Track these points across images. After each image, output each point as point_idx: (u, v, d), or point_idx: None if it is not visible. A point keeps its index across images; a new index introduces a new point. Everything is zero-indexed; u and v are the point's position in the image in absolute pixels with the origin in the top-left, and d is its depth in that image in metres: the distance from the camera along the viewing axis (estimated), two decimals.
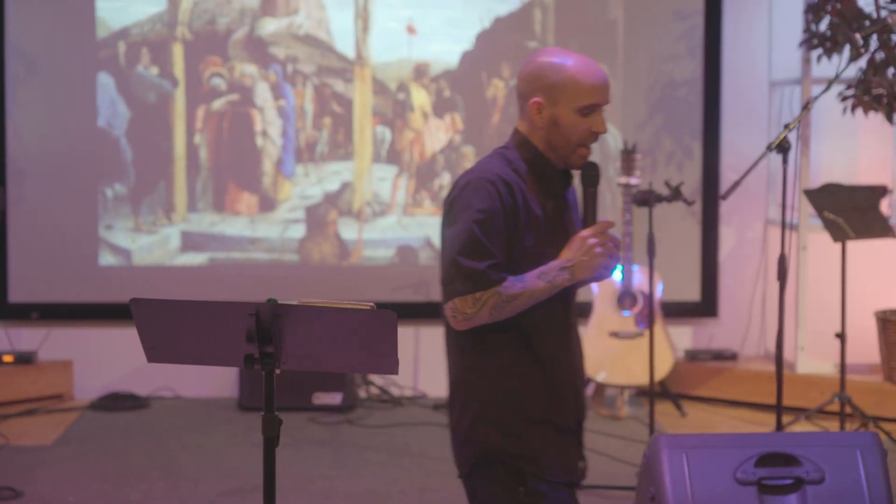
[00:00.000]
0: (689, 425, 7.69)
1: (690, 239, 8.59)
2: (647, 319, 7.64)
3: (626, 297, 7.95)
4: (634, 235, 7.94)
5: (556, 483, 3.61)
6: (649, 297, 6.55)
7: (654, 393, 6.56)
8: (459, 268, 3.48)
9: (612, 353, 7.91)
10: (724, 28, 8.52)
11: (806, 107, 6.85)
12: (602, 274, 3.51)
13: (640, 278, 7.93)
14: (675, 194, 6.57)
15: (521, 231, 3.51)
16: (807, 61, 8.05)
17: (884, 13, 7.58)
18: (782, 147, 6.53)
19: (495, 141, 8.47)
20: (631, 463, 6.68)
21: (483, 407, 3.58)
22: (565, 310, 3.61)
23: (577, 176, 3.68)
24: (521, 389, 3.57)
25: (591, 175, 3.59)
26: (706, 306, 8.64)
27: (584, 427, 3.77)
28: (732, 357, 8.46)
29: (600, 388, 8.02)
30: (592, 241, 3.48)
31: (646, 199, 6.50)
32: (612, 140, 8.49)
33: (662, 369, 7.85)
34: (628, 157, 7.77)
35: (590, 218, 3.53)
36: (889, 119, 7.63)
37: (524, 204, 3.52)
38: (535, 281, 3.47)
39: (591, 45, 8.49)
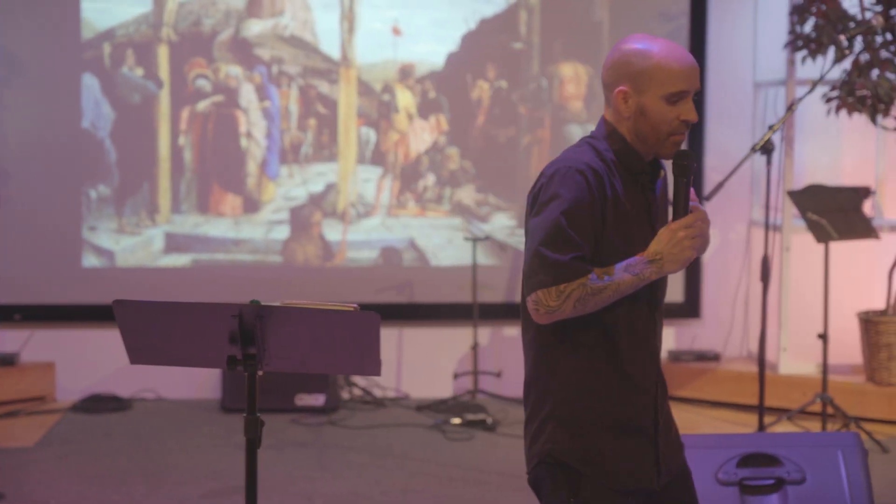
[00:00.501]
0: None
1: None
2: None
3: None
4: None
5: (621, 493, 3.45)
6: None
7: None
8: (543, 259, 3.32)
9: None
10: (708, 29, 8.54)
11: (790, 108, 6.87)
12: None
13: None
14: None
15: (608, 223, 3.37)
16: (791, 63, 8.06)
17: (868, 15, 7.60)
18: (766, 148, 6.55)
19: (480, 142, 8.48)
20: None
21: (556, 405, 3.46)
22: (651, 308, 3.48)
23: (669, 165, 3.55)
24: (597, 390, 3.44)
25: (684, 165, 3.40)
26: (689, 307, 8.65)
27: (664, 432, 3.53)
28: (715, 358, 8.47)
29: None
30: (682, 233, 3.32)
31: None
32: None
33: None
34: None
35: (681, 209, 3.37)
36: (873, 120, 7.64)
37: (613, 195, 3.39)
38: (622, 274, 3.33)
39: (577, 47, 8.50)
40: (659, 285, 3.50)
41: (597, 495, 3.42)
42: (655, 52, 3.38)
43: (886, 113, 7.62)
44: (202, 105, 8.42)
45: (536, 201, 3.39)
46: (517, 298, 8.54)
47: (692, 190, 3.40)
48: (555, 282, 3.30)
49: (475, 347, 8.15)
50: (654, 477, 3.47)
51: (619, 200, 3.39)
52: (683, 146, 3.46)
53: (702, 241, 3.34)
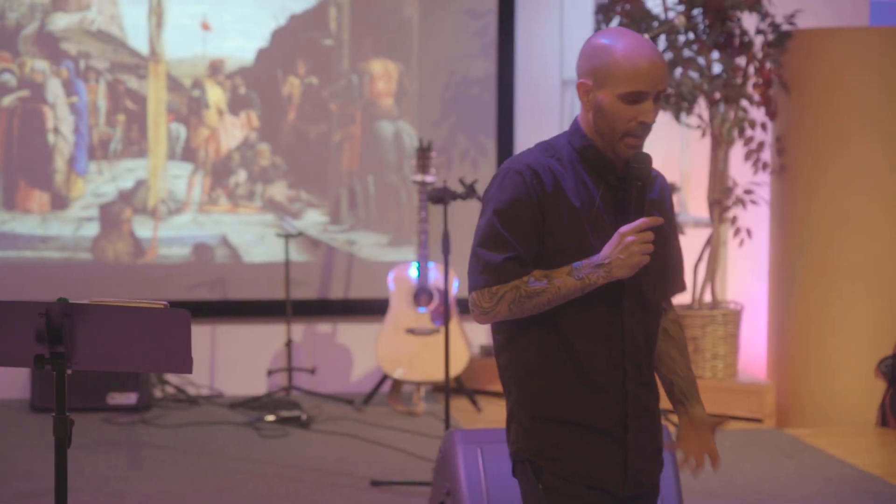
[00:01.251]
0: (484, 420, 7.77)
1: None
2: (442, 316, 7.71)
3: (422, 294, 8.01)
4: (430, 233, 8.00)
5: (584, 487, 3.35)
6: (444, 294, 6.60)
7: (449, 389, 6.62)
8: (478, 260, 3.30)
9: (408, 349, 7.96)
10: (516, 27, 8.64)
11: None
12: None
13: (435, 275, 8.00)
14: (470, 192, 6.63)
15: (550, 222, 3.27)
16: None
17: (671, 14, 7.76)
18: None
19: (291, 138, 8.46)
20: (427, 458, 6.73)
21: (514, 405, 3.41)
22: (616, 309, 3.33)
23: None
24: (551, 390, 3.34)
25: (636, 168, 3.29)
26: None
27: (638, 438, 3.39)
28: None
29: (397, 384, 8.06)
30: (630, 238, 3.22)
31: (440, 196, 6.55)
32: (408, 138, 8.54)
33: (458, 365, 7.92)
34: (423, 155, 7.83)
35: (632, 214, 3.28)
36: (677, 118, 7.82)
37: (556, 193, 3.28)
38: (565, 277, 3.24)
39: (386, 43, 8.54)
40: (632, 285, 3.35)
41: (559, 483, 3.36)
42: (618, 49, 3.25)
43: (690, 111, 7.80)
44: (7, 100, 8.26)
45: (482, 204, 3.38)
46: (330, 294, 8.54)
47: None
48: (487, 283, 3.28)
49: (289, 344, 8.14)
50: (620, 481, 3.37)
51: (564, 199, 3.29)
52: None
53: (650, 248, 3.24)
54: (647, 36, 6.99)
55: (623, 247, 3.22)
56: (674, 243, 3.51)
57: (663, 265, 3.43)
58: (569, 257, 3.27)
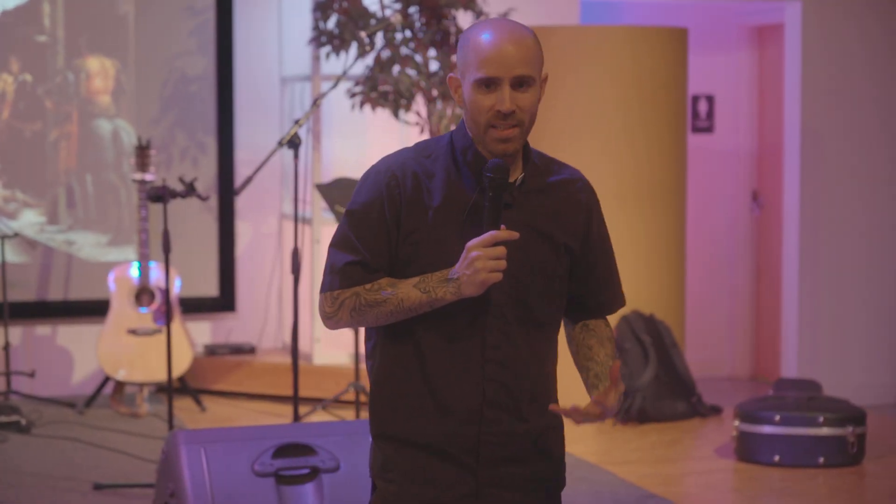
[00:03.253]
0: (209, 420, 7.74)
1: (207, 234, 8.64)
2: (164, 316, 7.64)
3: (143, 294, 7.92)
4: (150, 231, 7.92)
5: None
6: (166, 294, 6.56)
7: (172, 389, 6.57)
8: (327, 262, 3.11)
9: (130, 350, 7.86)
10: (235, 24, 8.61)
11: (315, 103, 7.03)
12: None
13: (157, 274, 7.92)
14: (190, 190, 6.60)
15: (409, 229, 3.05)
16: (316, 58, 8.23)
17: (388, 12, 7.85)
18: (293, 142, 6.68)
19: (5, 137, 8.27)
20: (151, 460, 6.67)
21: (370, 419, 3.18)
22: (474, 324, 3.07)
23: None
24: (398, 407, 3.11)
25: (489, 177, 3.02)
26: (224, 301, 8.71)
27: (492, 467, 3.12)
28: (251, 350, 8.56)
29: (119, 386, 7.96)
30: (475, 253, 2.95)
31: (160, 194, 6.50)
32: (126, 136, 8.43)
33: (181, 365, 7.86)
34: (142, 153, 7.75)
35: (488, 227, 2.99)
36: (395, 115, 7.90)
37: (417, 198, 3.06)
38: (410, 289, 3.02)
39: (102, 40, 8.41)
40: (504, 301, 3.08)
41: None
42: (473, 35, 3.06)
43: (408, 108, 7.89)
44: None
45: None
46: (49, 296, 8.38)
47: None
48: (330, 287, 3.08)
49: (6, 347, 7.94)
50: None
51: (426, 203, 3.07)
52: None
53: (501, 265, 2.97)
54: (364, 34, 7.06)
55: (468, 262, 2.97)
56: (600, 256, 3.26)
57: (551, 279, 3.13)
58: (429, 265, 3.05)
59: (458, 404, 3.08)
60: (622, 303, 3.35)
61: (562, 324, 3.28)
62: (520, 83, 3.04)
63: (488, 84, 3.03)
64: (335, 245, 3.10)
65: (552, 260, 3.13)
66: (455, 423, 3.08)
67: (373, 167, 3.15)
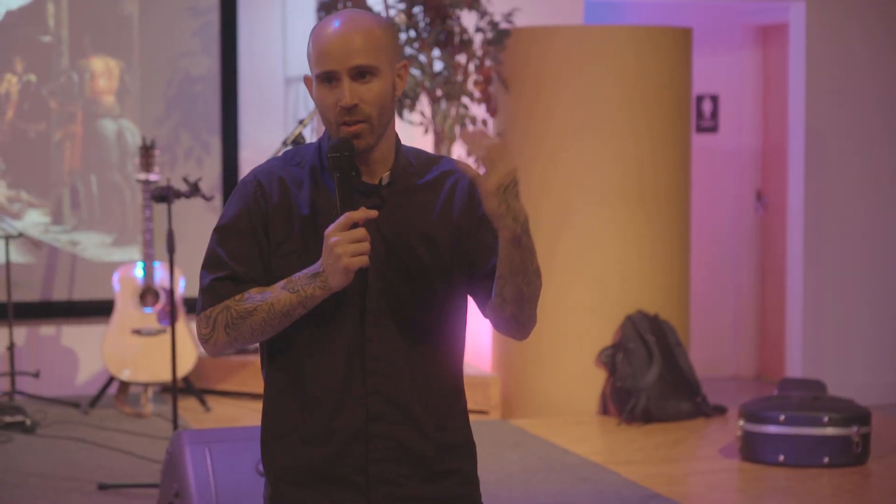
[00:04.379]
0: (213, 420, 7.75)
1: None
2: (169, 316, 7.64)
3: (147, 294, 7.93)
4: (155, 231, 7.93)
5: None
6: (170, 294, 6.56)
7: (176, 389, 6.58)
8: (200, 284, 2.93)
9: (134, 350, 7.87)
10: (239, 24, 8.61)
11: None
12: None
13: (161, 274, 7.93)
14: (194, 190, 6.61)
15: (278, 237, 2.88)
16: None
17: (392, 12, 7.85)
18: (297, 142, 6.68)
19: (9, 137, 8.28)
20: (156, 460, 6.67)
21: (262, 460, 2.98)
22: (354, 329, 2.88)
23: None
24: (280, 432, 2.93)
25: (333, 157, 2.84)
26: None
27: (386, 487, 2.92)
28: (255, 351, 8.56)
29: (124, 386, 7.96)
30: (333, 239, 2.75)
31: (164, 195, 6.51)
32: (130, 136, 8.44)
33: (186, 365, 7.87)
34: (147, 153, 7.76)
35: (342, 209, 2.82)
36: (400, 115, 7.90)
37: (283, 205, 2.89)
38: (279, 292, 2.82)
39: (107, 40, 8.41)
40: (381, 298, 2.89)
41: None
42: (316, 29, 2.89)
43: (412, 108, 7.89)
44: None
45: None
46: (54, 296, 8.39)
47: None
48: (201, 307, 2.91)
49: (11, 348, 7.95)
50: None
51: (292, 209, 2.89)
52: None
53: (363, 248, 2.77)
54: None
55: (328, 250, 2.77)
56: (481, 228, 2.94)
57: (429, 272, 2.93)
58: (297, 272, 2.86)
59: (341, 422, 2.88)
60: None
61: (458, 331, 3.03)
62: (360, 74, 2.84)
63: (328, 79, 2.84)
64: (204, 266, 2.93)
65: (434, 262, 2.92)
66: (340, 442, 2.88)
67: (242, 178, 2.97)
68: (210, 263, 2.92)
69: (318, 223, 2.87)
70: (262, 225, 2.90)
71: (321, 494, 2.90)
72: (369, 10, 7.79)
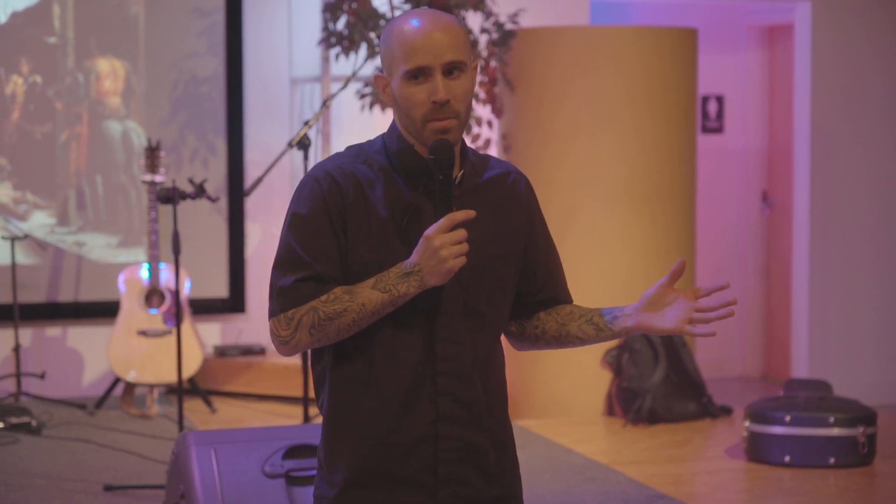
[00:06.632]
0: (219, 421, 7.75)
1: (217, 235, 8.65)
2: (174, 317, 7.64)
3: (153, 295, 7.93)
4: (160, 233, 7.93)
5: None
6: (176, 295, 6.56)
7: (182, 390, 6.58)
8: (273, 284, 2.89)
9: (140, 351, 7.87)
10: (244, 26, 8.61)
11: (324, 104, 7.03)
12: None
13: (167, 276, 7.93)
14: (199, 191, 6.61)
15: (355, 237, 2.87)
16: (326, 59, 8.24)
17: (398, 13, 7.85)
18: (303, 143, 6.70)
19: (15, 138, 8.28)
20: (161, 461, 6.68)
21: (320, 447, 2.98)
22: (425, 332, 2.88)
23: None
24: (349, 434, 2.92)
25: (433, 159, 2.85)
26: (234, 302, 8.72)
27: (452, 487, 2.92)
28: (261, 352, 8.56)
29: (130, 387, 7.97)
30: (437, 242, 2.77)
31: (170, 196, 6.51)
32: (136, 137, 8.44)
33: (191, 366, 7.87)
34: (152, 155, 7.76)
35: (441, 212, 2.83)
36: None
37: (360, 203, 2.88)
38: (369, 292, 2.82)
39: (112, 41, 8.42)
40: (453, 302, 2.90)
41: None
42: (396, 27, 2.88)
43: None
44: None
45: None
46: (60, 297, 8.39)
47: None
48: (282, 308, 2.86)
49: (17, 349, 7.95)
50: None
51: (369, 209, 2.88)
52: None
53: (465, 248, 2.80)
54: (374, 35, 7.05)
55: (431, 252, 2.78)
56: (543, 249, 3.08)
57: (500, 271, 2.97)
58: (372, 272, 2.87)
59: (411, 423, 2.89)
60: (568, 299, 3.15)
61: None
62: (451, 70, 2.85)
63: (418, 75, 2.84)
64: (280, 264, 2.89)
65: (499, 262, 2.97)
66: (410, 443, 2.89)
67: (308, 175, 2.93)
68: (287, 263, 2.88)
69: (392, 224, 2.87)
70: (341, 222, 2.88)
71: (386, 495, 2.90)
72: (375, 11, 7.80)
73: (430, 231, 2.78)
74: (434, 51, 2.83)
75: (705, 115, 9.75)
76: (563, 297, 3.12)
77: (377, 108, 7.92)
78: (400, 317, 2.87)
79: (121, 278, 8.00)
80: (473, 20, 8.19)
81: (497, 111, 8.07)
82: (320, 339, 2.86)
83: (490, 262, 2.93)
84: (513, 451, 3.05)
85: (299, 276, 2.85)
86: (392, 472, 2.89)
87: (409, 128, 2.89)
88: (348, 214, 2.87)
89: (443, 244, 2.77)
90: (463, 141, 2.97)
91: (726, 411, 8.07)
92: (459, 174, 2.94)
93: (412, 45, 2.83)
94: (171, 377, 7.74)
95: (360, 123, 8.54)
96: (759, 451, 6.94)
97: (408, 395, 2.88)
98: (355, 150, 2.96)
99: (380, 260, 2.86)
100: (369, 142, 2.99)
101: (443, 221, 2.78)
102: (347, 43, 7.86)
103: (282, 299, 2.87)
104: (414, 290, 2.81)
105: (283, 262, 2.88)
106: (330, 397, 2.94)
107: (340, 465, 2.92)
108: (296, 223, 2.89)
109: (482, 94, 8.00)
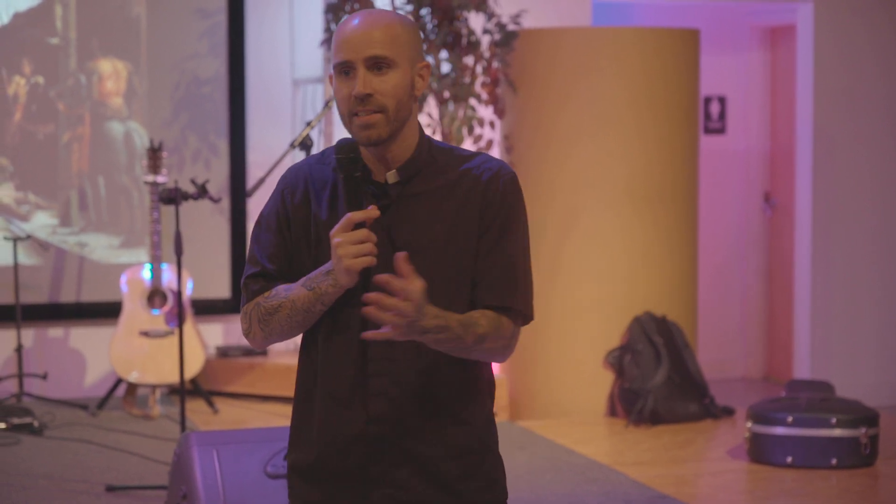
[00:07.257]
0: (221, 422, 7.75)
1: (219, 236, 8.65)
2: (177, 318, 7.64)
3: (155, 296, 7.93)
4: (163, 233, 7.93)
5: None
6: (178, 296, 6.56)
7: (184, 391, 6.58)
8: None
9: (142, 352, 7.87)
10: (247, 26, 8.62)
11: (327, 105, 7.04)
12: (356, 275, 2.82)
13: (169, 276, 7.93)
14: (202, 192, 6.61)
15: (297, 238, 2.93)
16: (328, 60, 8.24)
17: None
18: (305, 144, 6.70)
19: (17, 139, 8.28)
20: (163, 462, 6.68)
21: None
22: (359, 330, 2.85)
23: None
24: (299, 426, 3.01)
25: (340, 158, 2.87)
26: (236, 303, 8.71)
27: (382, 487, 2.94)
28: (263, 352, 8.56)
29: (132, 387, 7.97)
30: (336, 240, 2.77)
31: (172, 197, 6.51)
32: (138, 138, 8.45)
33: (194, 367, 7.87)
34: (154, 156, 7.76)
35: (346, 210, 2.85)
36: None
37: (303, 206, 2.94)
38: (299, 289, 2.86)
39: (114, 42, 8.42)
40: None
41: None
42: (340, 25, 2.89)
43: (420, 110, 7.89)
44: None
45: None
46: (62, 298, 8.39)
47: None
48: (242, 303, 2.98)
49: (19, 349, 7.96)
50: None
51: (309, 210, 2.93)
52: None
53: (366, 248, 2.77)
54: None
55: (333, 250, 2.79)
56: (494, 250, 2.91)
57: (445, 273, 2.89)
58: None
59: (345, 422, 2.91)
60: (502, 301, 2.91)
61: None
62: (377, 66, 2.83)
63: (345, 70, 2.85)
64: (246, 261, 3.03)
65: (438, 265, 2.88)
66: (344, 441, 2.91)
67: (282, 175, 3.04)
68: (248, 259, 3.00)
69: (333, 224, 2.86)
70: (287, 223, 2.95)
71: (323, 488, 2.96)
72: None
73: (333, 230, 2.80)
74: (357, 46, 2.83)
75: (707, 115, 9.75)
76: (482, 298, 2.92)
77: None
78: (336, 316, 2.90)
79: (123, 279, 8.00)
80: (476, 21, 8.19)
81: (499, 112, 8.07)
82: (269, 333, 2.94)
83: (424, 263, 2.81)
84: (483, 458, 2.98)
85: (251, 272, 2.97)
86: (332, 467, 2.94)
87: (343, 123, 2.90)
88: (292, 215, 2.95)
89: (340, 243, 2.77)
90: (421, 142, 2.93)
91: (728, 412, 8.06)
92: (392, 174, 2.90)
93: (340, 40, 2.86)
94: (174, 378, 7.74)
95: None
96: (761, 451, 6.94)
97: (347, 394, 2.91)
98: (326, 151, 2.99)
99: (315, 260, 2.91)
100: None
101: (342, 221, 2.78)
102: None
103: (242, 295, 2.99)
104: (332, 288, 2.83)
105: (247, 259, 3.02)
106: (296, 383, 3.03)
107: (291, 454, 3.02)
108: (258, 221, 3.02)
109: (484, 96, 8.00)
